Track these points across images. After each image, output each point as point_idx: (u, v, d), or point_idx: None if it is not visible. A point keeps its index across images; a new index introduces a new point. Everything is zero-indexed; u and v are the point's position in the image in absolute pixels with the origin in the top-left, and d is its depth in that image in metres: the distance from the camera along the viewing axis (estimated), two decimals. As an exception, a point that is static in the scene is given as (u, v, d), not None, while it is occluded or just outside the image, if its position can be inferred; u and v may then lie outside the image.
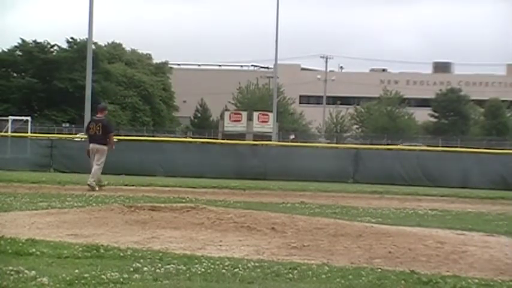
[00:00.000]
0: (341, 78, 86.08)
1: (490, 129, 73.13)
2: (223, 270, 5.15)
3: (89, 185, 16.45)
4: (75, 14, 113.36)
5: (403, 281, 5.00)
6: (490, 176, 23.77)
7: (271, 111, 57.09)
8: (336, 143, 57.36)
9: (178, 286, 4.67)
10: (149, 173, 23.94)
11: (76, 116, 55.64)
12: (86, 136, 17.39)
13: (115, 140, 17.31)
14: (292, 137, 62.87)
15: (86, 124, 36.13)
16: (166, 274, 4.99)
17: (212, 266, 5.27)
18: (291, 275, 5.10)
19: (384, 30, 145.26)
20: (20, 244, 6.01)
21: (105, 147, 16.86)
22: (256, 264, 5.42)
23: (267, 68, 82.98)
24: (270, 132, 55.15)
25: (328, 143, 58.02)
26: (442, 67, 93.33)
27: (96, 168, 16.83)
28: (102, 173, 17.20)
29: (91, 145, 16.97)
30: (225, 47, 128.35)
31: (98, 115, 17.51)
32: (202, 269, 5.15)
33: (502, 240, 7.80)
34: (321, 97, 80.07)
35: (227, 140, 40.45)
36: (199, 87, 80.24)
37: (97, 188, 16.42)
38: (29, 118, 42.40)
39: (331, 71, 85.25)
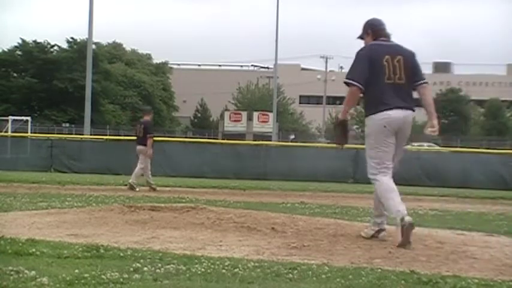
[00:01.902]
0: (341, 78, 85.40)
1: (490, 129, 73.14)
2: (223, 270, 5.15)
3: (129, 183, 16.86)
4: (75, 14, 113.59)
5: (403, 281, 5.00)
6: (490, 176, 23.79)
7: (271, 111, 57.11)
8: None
9: (178, 286, 4.67)
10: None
11: (76, 116, 55.63)
12: None
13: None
14: (292, 137, 62.86)
15: (85, 123, 36.25)
16: (166, 274, 4.99)
17: (212, 266, 5.26)
18: (291, 275, 5.10)
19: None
20: (20, 244, 6.00)
21: (146, 148, 17.35)
22: (256, 264, 5.42)
23: (267, 68, 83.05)
24: (270, 132, 55.19)
25: (328, 143, 58.03)
26: (442, 67, 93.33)
27: (137, 168, 17.27)
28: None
29: (137, 146, 17.58)
30: (225, 47, 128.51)
31: (144, 118, 18.21)
32: (202, 269, 5.15)
33: (502, 240, 7.80)
34: (321, 97, 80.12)
35: (227, 140, 40.46)
36: (199, 87, 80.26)
37: (137, 189, 16.80)
38: (29, 118, 42.40)
39: (331, 71, 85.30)
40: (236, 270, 5.16)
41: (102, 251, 5.80)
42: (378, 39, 7.15)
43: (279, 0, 51.44)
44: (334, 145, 7.52)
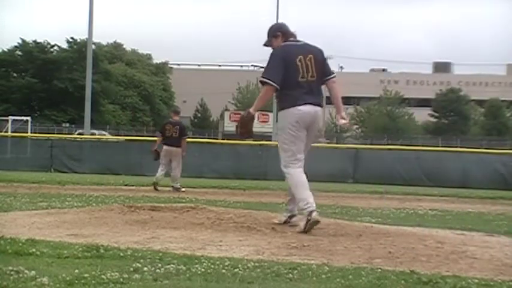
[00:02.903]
0: (341, 78, 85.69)
1: (490, 129, 73.13)
2: (223, 270, 5.15)
3: (173, 187, 17.00)
4: (75, 14, 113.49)
5: (403, 281, 5.00)
6: (490, 176, 23.80)
7: (271, 111, 57.10)
8: (336, 143, 57.38)
9: (178, 286, 4.67)
10: (149, 173, 23.94)
11: (76, 116, 55.65)
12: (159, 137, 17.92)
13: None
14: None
15: (85, 123, 36.24)
16: (166, 274, 4.98)
17: (212, 266, 5.26)
18: (291, 275, 5.09)
19: (384, 30, 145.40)
20: (20, 244, 6.00)
21: (179, 150, 17.31)
22: (256, 264, 5.42)
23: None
24: (270, 132, 55.17)
25: (328, 143, 58.03)
26: (442, 67, 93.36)
27: (175, 172, 17.38)
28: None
29: (166, 147, 17.36)
30: (225, 47, 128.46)
31: (174, 118, 17.99)
32: (202, 269, 5.15)
33: (502, 240, 7.81)
34: (321, 97, 79.99)
35: (227, 140, 40.42)
36: (199, 87, 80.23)
37: (183, 189, 16.91)
38: (29, 118, 42.42)
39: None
40: (236, 270, 5.16)
41: (102, 251, 5.80)
42: (288, 40, 7.58)
43: (279, 0, 51.47)
44: (239, 139, 7.79)
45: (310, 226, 7.21)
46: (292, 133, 7.40)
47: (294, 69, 7.34)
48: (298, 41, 7.62)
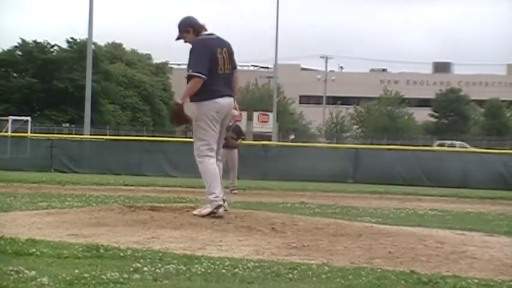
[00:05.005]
0: (341, 78, 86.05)
1: (490, 129, 73.07)
2: (223, 270, 5.15)
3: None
4: (75, 14, 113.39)
5: (403, 281, 5.00)
6: (490, 176, 23.81)
7: (271, 111, 57.11)
8: (336, 143, 57.37)
9: (178, 286, 4.67)
10: (149, 173, 23.95)
11: (76, 116, 55.57)
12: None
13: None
14: (292, 137, 62.87)
15: (85, 124, 36.25)
16: (166, 274, 4.99)
17: (212, 266, 5.27)
18: (291, 275, 5.10)
19: (384, 30, 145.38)
20: (20, 244, 6.00)
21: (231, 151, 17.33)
22: (256, 264, 5.42)
23: (267, 68, 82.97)
24: (270, 132, 55.19)
25: (328, 143, 58.01)
26: (442, 67, 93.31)
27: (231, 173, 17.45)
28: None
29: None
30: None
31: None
32: (202, 269, 5.15)
33: (502, 240, 7.81)
34: (321, 97, 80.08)
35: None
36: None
37: (235, 191, 16.87)
38: (29, 118, 42.40)
39: (331, 71, 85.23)
40: (236, 270, 5.16)
41: (102, 251, 5.80)
42: (201, 34, 7.79)
43: (279, 0, 51.49)
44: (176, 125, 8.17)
45: (214, 217, 7.60)
46: (210, 124, 7.78)
47: (215, 62, 7.65)
48: (210, 34, 7.84)
